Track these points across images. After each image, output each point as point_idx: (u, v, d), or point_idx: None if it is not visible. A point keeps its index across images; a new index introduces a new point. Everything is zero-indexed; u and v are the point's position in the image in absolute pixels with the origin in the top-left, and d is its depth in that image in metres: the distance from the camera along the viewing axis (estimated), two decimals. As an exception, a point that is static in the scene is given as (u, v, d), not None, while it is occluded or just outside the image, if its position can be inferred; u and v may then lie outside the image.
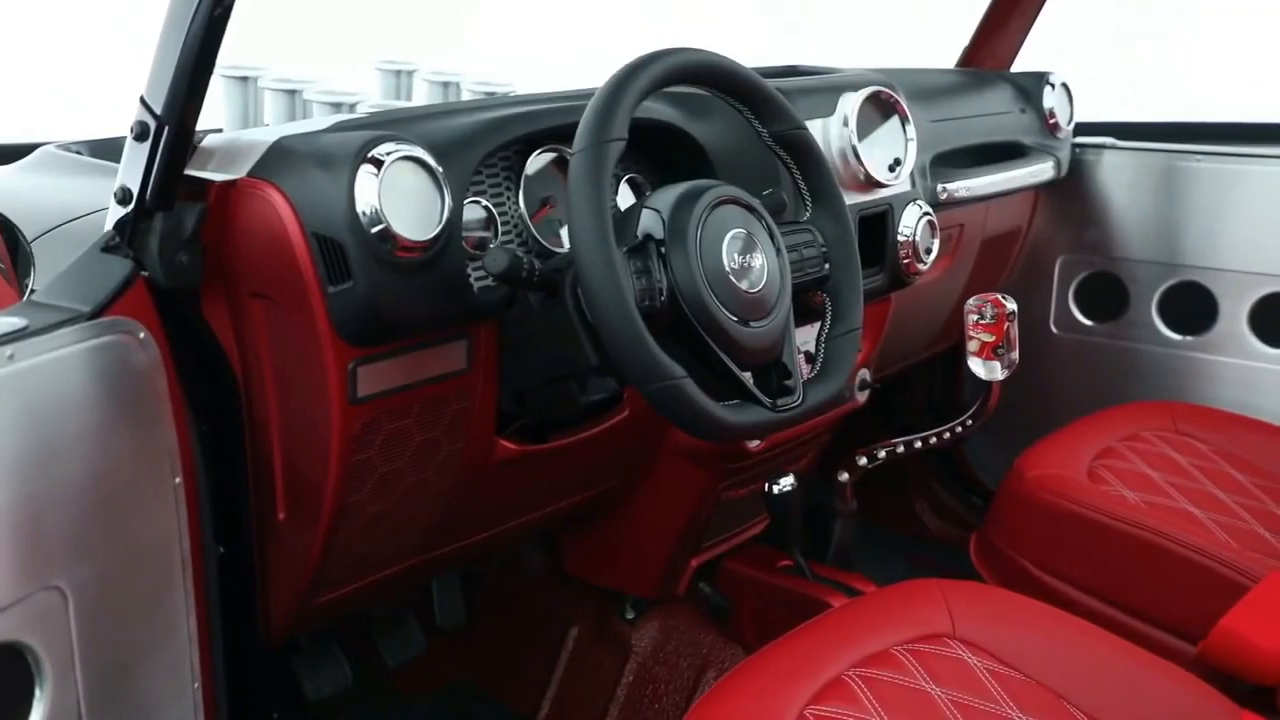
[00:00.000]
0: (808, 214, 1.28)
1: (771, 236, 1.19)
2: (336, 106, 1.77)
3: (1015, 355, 1.39)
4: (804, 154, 1.26)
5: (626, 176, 1.38)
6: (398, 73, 2.15)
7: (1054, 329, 2.25)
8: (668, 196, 1.13)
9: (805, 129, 1.25)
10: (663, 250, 1.09)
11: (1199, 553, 1.51)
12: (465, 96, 2.00)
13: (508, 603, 1.81)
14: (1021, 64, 2.20)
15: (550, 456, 1.36)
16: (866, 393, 1.72)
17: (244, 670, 1.22)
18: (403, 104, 1.86)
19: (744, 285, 1.13)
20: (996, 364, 1.39)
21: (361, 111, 1.57)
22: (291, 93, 1.87)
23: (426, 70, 2.11)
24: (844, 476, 1.67)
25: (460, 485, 1.28)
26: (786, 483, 1.55)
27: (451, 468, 1.26)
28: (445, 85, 2.09)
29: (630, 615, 1.71)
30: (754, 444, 1.53)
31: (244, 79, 1.93)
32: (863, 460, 1.65)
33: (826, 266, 1.27)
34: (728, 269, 1.12)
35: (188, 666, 1.03)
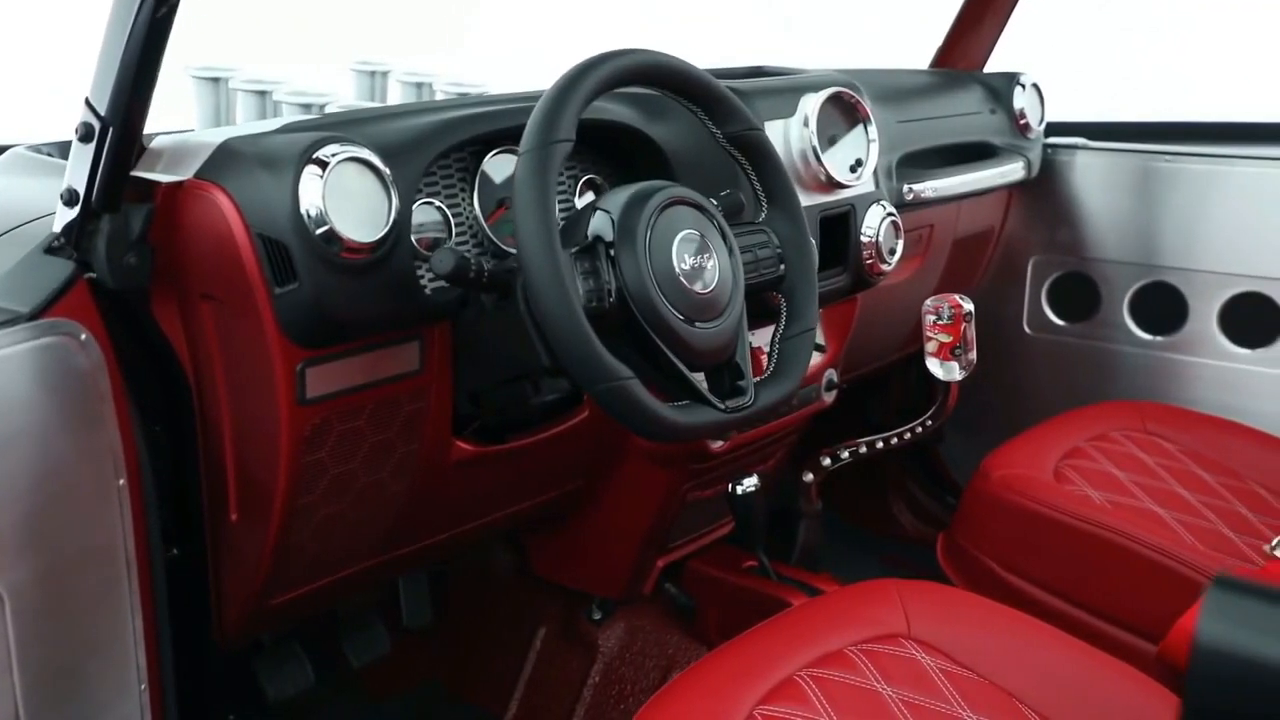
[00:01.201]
0: (763, 215, 1.28)
1: (724, 237, 1.19)
2: (306, 108, 1.77)
3: (973, 355, 1.39)
4: (758, 155, 1.26)
5: (585, 178, 1.38)
6: (372, 74, 2.14)
7: (1027, 329, 2.25)
8: (618, 198, 1.13)
9: (760, 130, 1.25)
10: (612, 252, 1.09)
11: (1161, 553, 1.51)
12: (438, 97, 2.00)
13: (476, 603, 1.81)
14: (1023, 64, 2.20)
15: (509, 457, 1.36)
16: (834, 393, 1.72)
17: (196, 671, 1.22)
18: (374, 105, 1.86)
19: (695, 286, 1.13)
20: (954, 364, 1.39)
21: (329, 112, 1.57)
22: (262, 94, 1.87)
23: (400, 71, 2.11)
24: (809, 477, 1.67)
25: (417, 486, 1.28)
26: (750, 483, 1.55)
27: (407, 469, 1.26)
28: (419, 86, 2.09)
29: (597, 616, 1.71)
30: (717, 444, 1.53)
31: (215, 80, 1.93)
32: (826, 460, 1.65)
33: (782, 267, 1.27)
34: (678, 270, 1.12)
35: (134, 668, 1.03)
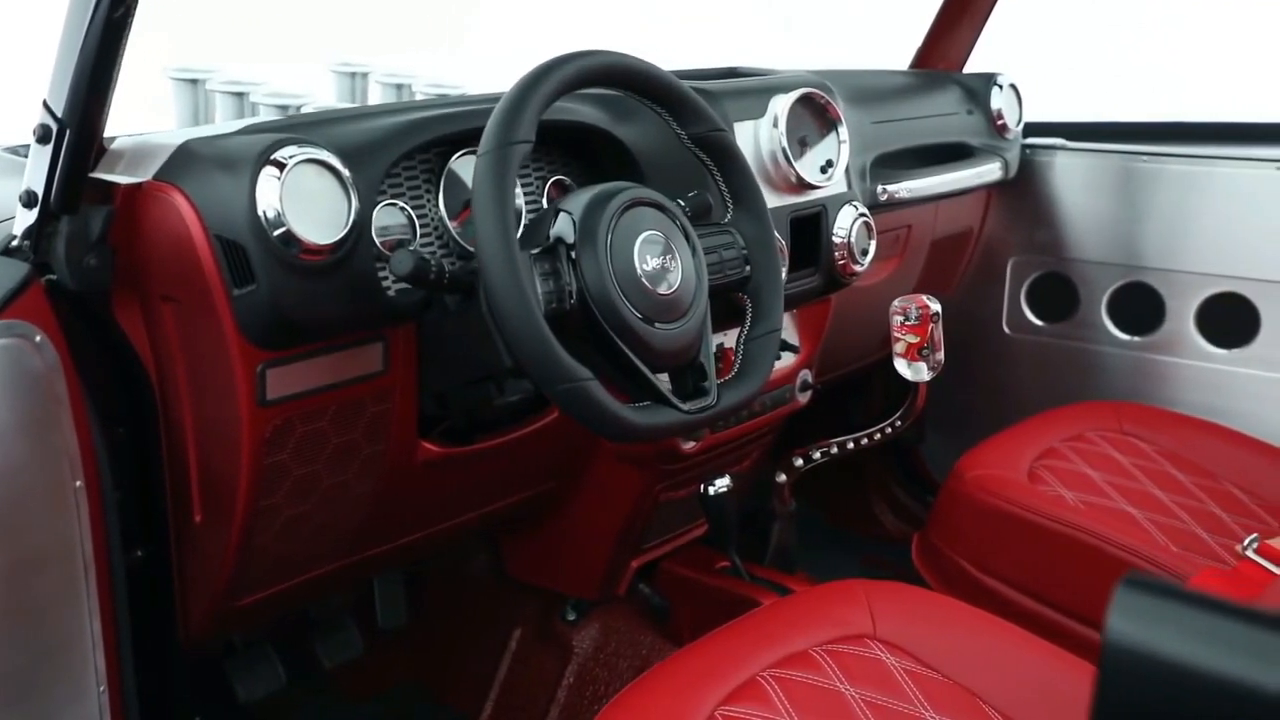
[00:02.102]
0: (729, 216, 1.28)
1: (687, 238, 1.19)
2: (283, 109, 1.77)
3: (940, 356, 1.39)
4: (723, 156, 1.26)
5: (554, 179, 1.38)
6: (352, 75, 2.16)
7: (1007, 330, 2.25)
8: (580, 199, 1.14)
9: (724, 131, 1.25)
10: (573, 253, 1.10)
11: (1132, 553, 1.51)
12: (418, 98, 2.01)
13: (452, 604, 1.81)
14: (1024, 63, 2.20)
15: (477, 458, 1.36)
16: (808, 394, 1.72)
17: (161, 673, 1.22)
18: (341, 106, 1.87)
19: (657, 287, 1.13)
20: (922, 365, 1.39)
21: (305, 113, 1.58)
22: (240, 95, 1.88)
23: (380, 72, 2.12)
24: (781, 478, 1.68)
25: (384, 487, 1.28)
26: (721, 484, 1.55)
27: (372, 470, 1.26)
28: (399, 87, 2.10)
29: (572, 617, 1.71)
30: (688, 445, 1.53)
31: (193, 81, 1.93)
32: (799, 461, 1.65)
33: (747, 268, 1.27)
34: (640, 271, 1.12)
35: (92, 670, 1.03)
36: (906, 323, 1.37)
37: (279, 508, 1.19)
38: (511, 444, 1.37)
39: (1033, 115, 2.20)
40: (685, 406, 1.14)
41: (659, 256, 1.14)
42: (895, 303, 1.39)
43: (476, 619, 1.78)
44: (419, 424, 1.28)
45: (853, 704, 1.15)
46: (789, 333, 1.67)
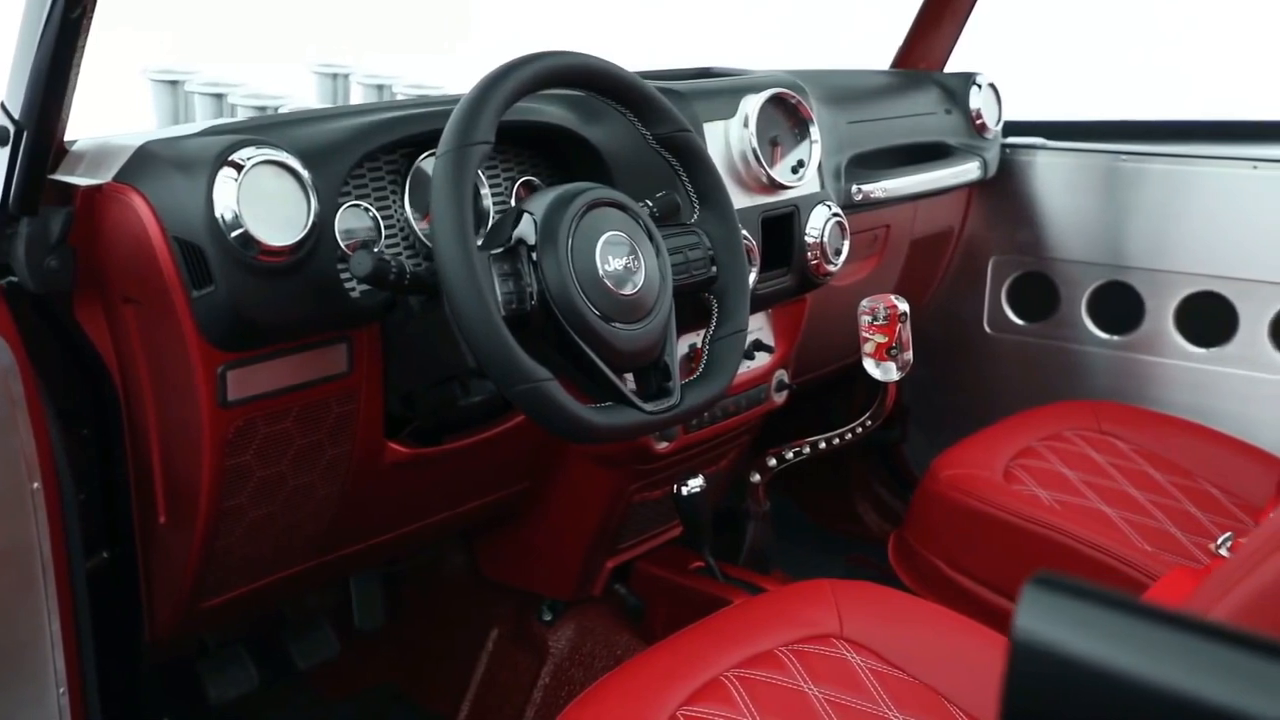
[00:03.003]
0: (695, 216, 1.28)
1: (651, 238, 1.19)
2: (261, 109, 1.77)
3: (909, 356, 1.39)
4: (689, 156, 1.26)
5: (522, 179, 1.38)
6: (334, 76, 2.16)
7: (988, 329, 2.25)
8: (542, 200, 1.14)
9: (689, 131, 1.25)
10: (534, 254, 1.10)
11: (1104, 552, 1.51)
12: (399, 98, 2.01)
13: (428, 605, 1.81)
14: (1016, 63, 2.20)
15: (446, 459, 1.36)
16: (784, 393, 1.72)
17: (126, 674, 1.22)
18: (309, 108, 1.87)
19: (619, 287, 1.13)
20: (891, 365, 1.39)
21: (268, 114, 1.58)
22: (219, 96, 1.89)
23: (360, 73, 2.12)
24: (755, 478, 1.68)
25: (351, 488, 1.28)
26: (695, 484, 1.55)
27: (339, 471, 1.26)
28: (379, 88, 2.10)
29: (548, 617, 1.71)
30: (661, 445, 1.53)
31: (173, 83, 1.94)
32: (772, 461, 1.65)
33: (714, 269, 1.27)
34: (601, 272, 1.12)
35: (51, 672, 1.03)
36: (875, 323, 1.36)
37: (243, 509, 1.19)
38: (481, 445, 1.37)
39: (1024, 114, 2.21)
40: (648, 407, 1.14)
41: (622, 257, 1.14)
42: (863, 303, 1.39)
43: (453, 619, 1.78)
44: (387, 425, 1.28)
45: (816, 704, 1.15)
46: (764, 333, 1.68)
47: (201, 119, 1.74)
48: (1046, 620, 0.47)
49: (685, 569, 1.67)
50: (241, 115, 1.73)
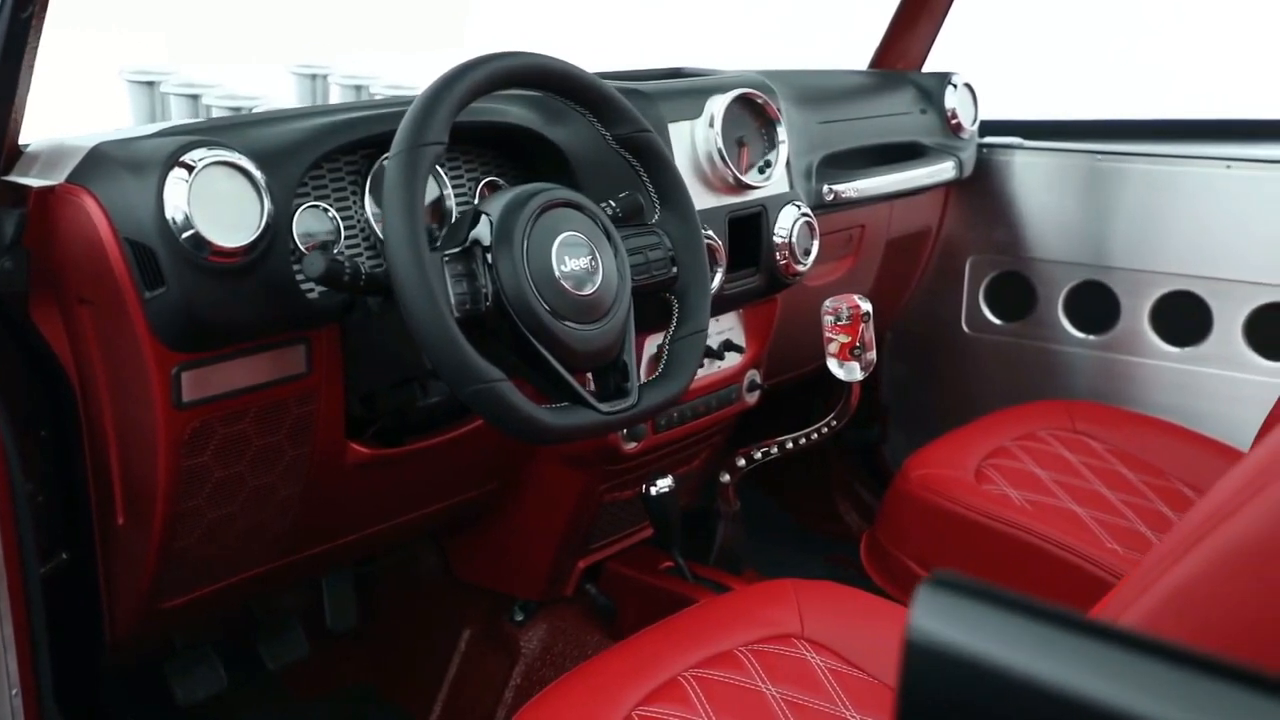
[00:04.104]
0: (656, 216, 1.28)
1: (609, 238, 1.19)
2: (236, 110, 1.78)
3: (872, 355, 1.39)
4: (649, 156, 1.26)
5: (486, 180, 1.38)
6: (313, 76, 2.17)
7: (966, 329, 2.25)
8: (499, 201, 1.14)
9: (649, 131, 1.25)
10: (489, 255, 1.10)
11: (1072, 552, 1.51)
12: (377, 98, 2.01)
13: (401, 605, 1.81)
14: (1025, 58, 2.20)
15: (410, 460, 1.36)
16: (756, 394, 1.72)
17: (85, 675, 1.22)
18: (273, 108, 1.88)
19: (576, 288, 1.13)
20: (855, 364, 1.39)
21: (240, 114, 1.58)
22: (194, 97, 1.89)
23: (339, 74, 2.13)
24: (725, 478, 1.67)
25: (313, 490, 1.28)
26: (663, 484, 1.55)
27: (299, 472, 1.26)
28: (358, 88, 2.10)
29: (519, 618, 1.71)
30: (630, 445, 1.53)
31: (149, 83, 1.95)
32: (741, 462, 1.65)
33: (674, 269, 1.27)
34: (558, 272, 1.12)
35: (3, 674, 1.03)
36: (838, 323, 1.36)
37: (201, 510, 1.19)
38: (444, 445, 1.37)
39: (1006, 113, 2.21)
40: (604, 407, 1.14)
41: (579, 257, 1.14)
42: (826, 303, 1.39)
43: (426, 620, 1.78)
44: (349, 425, 1.28)
45: (773, 703, 1.15)
46: (735, 333, 1.68)
47: (177, 120, 1.75)
48: (940, 620, 0.48)
49: (655, 569, 1.67)
50: (216, 115, 1.73)
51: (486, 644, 1.74)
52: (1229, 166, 1.90)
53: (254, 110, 1.68)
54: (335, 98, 1.91)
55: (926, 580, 0.49)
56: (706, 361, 1.61)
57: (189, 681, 1.48)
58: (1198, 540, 0.60)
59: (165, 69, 1.82)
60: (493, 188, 1.39)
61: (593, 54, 1.82)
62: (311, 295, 1.16)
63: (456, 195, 1.34)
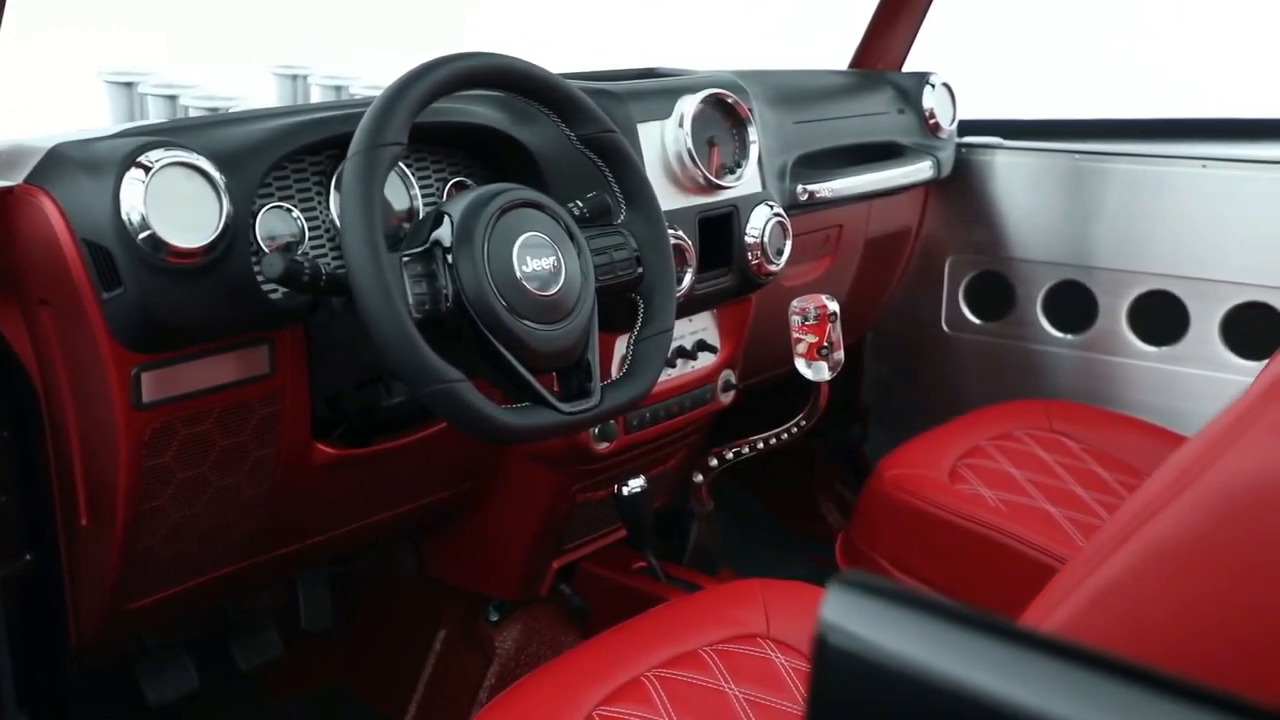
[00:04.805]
0: (622, 216, 1.28)
1: (573, 239, 1.19)
2: (212, 110, 1.78)
3: (840, 355, 1.39)
4: (614, 156, 1.26)
5: (454, 180, 1.38)
6: (293, 77, 2.17)
7: (946, 328, 2.25)
8: (460, 202, 1.14)
9: (614, 132, 1.25)
10: (449, 256, 1.10)
11: (1044, 552, 1.51)
12: (357, 99, 2.01)
13: (377, 605, 1.81)
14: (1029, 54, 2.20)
15: (378, 460, 1.36)
16: (731, 394, 1.72)
17: (50, 676, 1.22)
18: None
19: (537, 288, 1.13)
20: (823, 364, 1.39)
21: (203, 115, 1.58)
22: (171, 97, 1.89)
23: (319, 75, 2.13)
24: (698, 478, 1.68)
25: (279, 490, 1.28)
26: (636, 484, 1.55)
27: (265, 473, 1.26)
28: (338, 89, 2.10)
29: (494, 618, 1.71)
30: (602, 446, 1.53)
31: (128, 84, 1.95)
32: (714, 461, 1.65)
33: (639, 269, 1.27)
34: (519, 273, 1.12)
35: (-38, 674, 1.04)
36: (806, 323, 1.37)
37: (165, 510, 1.19)
38: (413, 446, 1.37)
39: (990, 113, 2.21)
40: (565, 407, 1.14)
41: (541, 258, 1.14)
42: (794, 303, 1.39)
43: (401, 620, 1.79)
44: (317, 426, 1.29)
45: (735, 703, 1.15)
46: (709, 333, 1.67)
47: (155, 119, 1.75)
48: (848, 619, 0.48)
49: (628, 569, 1.67)
50: (194, 115, 1.73)
51: (462, 644, 1.74)
52: (1205, 166, 1.90)
53: (230, 110, 1.68)
54: (316, 98, 1.91)
55: (835, 580, 0.49)
56: (680, 361, 1.61)
57: (160, 682, 1.49)
58: (1124, 539, 0.61)
59: (144, 69, 1.82)
60: (460, 188, 1.39)
61: (592, 54, 1.83)
62: (275, 296, 1.16)
63: (425, 196, 1.34)
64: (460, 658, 1.73)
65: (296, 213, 1.22)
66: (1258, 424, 0.57)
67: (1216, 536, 0.57)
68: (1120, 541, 0.60)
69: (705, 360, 1.65)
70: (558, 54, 1.82)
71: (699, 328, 1.65)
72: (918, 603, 0.47)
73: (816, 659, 0.48)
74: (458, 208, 1.13)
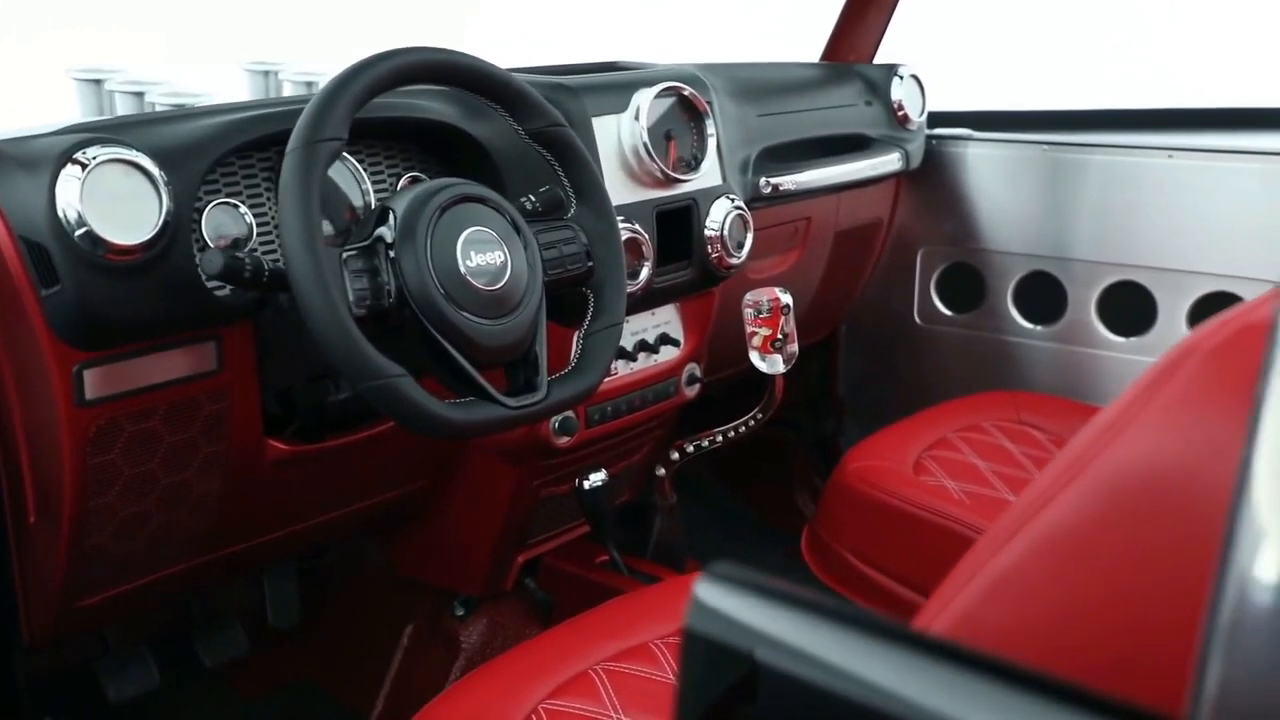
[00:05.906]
0: (572, 211, 1.28)
1: (519, 233, 1.19)
2: (180, 107, 1.77)
3: (794, 348, 1.39)
4: (563, 150, 1.26)
5: (409, 175, 1.38)
6: (265, 73, 2.16)
7: (918, 320, 2.25)
8: (404, 197, 1.14)
9: (563, 125, 1.25)
10: (392, 251, 1.10)
11: None
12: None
13: (345, 601, 1.82)
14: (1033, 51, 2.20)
15: (331, 456, 1.36)
16: (696, 387, 1.72)
17: (2, 675, 1.22)
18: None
19: (482, 283, 1.13)
20: (777, 357, 1.39)
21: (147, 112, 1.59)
22: (139, 95, 1.88)
23: (290, 71, 2.12)
24: (660, 471, 1.68)
25: (231, 487, 1.28)
26: (597, 478, 1.55)
27: (215, 469, 1.26)
28: (309, 85, 2.09)
29: (460, 613, 1.71)
30: (563, 440, 1.53)
31: (96, 81, 1.94)
32: (675, 455, 1.65)
33: (589, 263, 1.27)
34: (463, 268, 1.12)
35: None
36: (759, 316, 1.37)
37: (112, 507, 1.19)
38: (365, 442, 1.37)
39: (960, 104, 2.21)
40: (510, 402, 1.14)
41: (485, 253, 1.14)
42: (747, 296, 1.39)
43: (368, 616, 1.79)
44: (269, 423, 1.29)
45: (682, 696, 1.15)
46: (672, 326, 1.67)
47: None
48: (713, 611, 0.48)
49: (592, 563, 1.68)
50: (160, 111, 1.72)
51: (429, 639, 1.74)
52: (1170, 156, 1.90)
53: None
54: (288, 94, 1.90)
55: (704, 572, 0.49)
56: (641, 355, 1.61)
57: (120, 680, 1.49)
58: (1019, 528, 0.60)
59: (113, 66, 1.80)
60: (415, 182, 1.39)
61: (592, 54, 1.82)
62: (221, 293, 1.16)
63: (378, 191, 1.34)
64: (427, 653, 1.73)
65: (244, 209, 1.22)
66: (1147, 408, 0.57)
67: (1103, 526, 0.57)
68: (1014, 531, 0.60)
69: (668, 354, 1.65)
70: (558, 54, 1.81)
71: (661, 321, 1.65)
72: (779, 595, 0.47)
73: (682, 650, 0.48)
74: (401, 203, 1.13)
